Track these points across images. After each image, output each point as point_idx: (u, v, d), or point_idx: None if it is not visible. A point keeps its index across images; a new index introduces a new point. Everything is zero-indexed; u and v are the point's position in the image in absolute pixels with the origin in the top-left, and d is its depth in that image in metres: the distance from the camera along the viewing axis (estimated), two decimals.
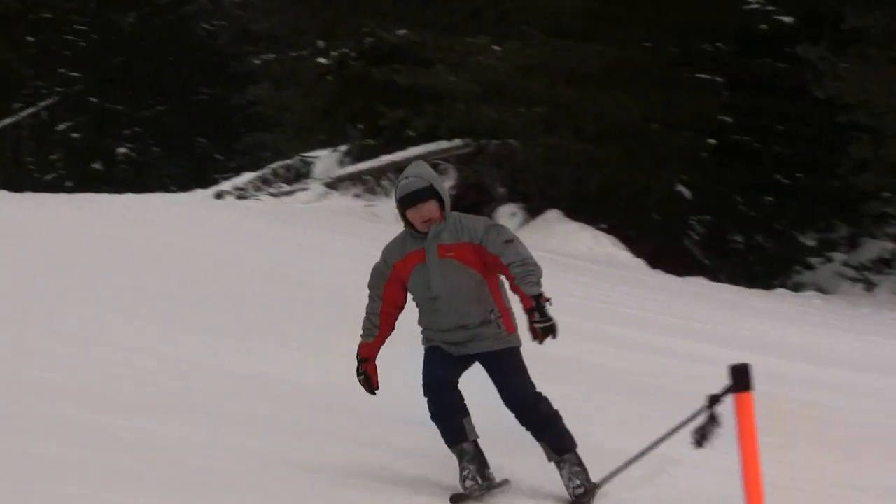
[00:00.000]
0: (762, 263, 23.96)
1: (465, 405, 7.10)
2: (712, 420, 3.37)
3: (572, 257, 19.01)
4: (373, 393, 7.18)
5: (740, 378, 3.52)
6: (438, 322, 7.11)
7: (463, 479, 7.08)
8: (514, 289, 6.80)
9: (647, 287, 17.49)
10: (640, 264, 20.25)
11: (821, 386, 10.89)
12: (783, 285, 22.24)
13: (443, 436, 7.13)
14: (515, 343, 7.05)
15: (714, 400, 3.48)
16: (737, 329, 14.50)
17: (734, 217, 24.60)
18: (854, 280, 22.80)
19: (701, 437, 3.26)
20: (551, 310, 6.64)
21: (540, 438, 7.04)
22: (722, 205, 24.36)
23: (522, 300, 6.73)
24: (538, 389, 6.99)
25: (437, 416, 7.13)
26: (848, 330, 16.19)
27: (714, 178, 23.90)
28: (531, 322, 6.63)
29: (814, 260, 23.75)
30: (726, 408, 3.47)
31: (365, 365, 7.20)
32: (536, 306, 6.62)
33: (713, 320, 15.03)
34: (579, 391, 9.17)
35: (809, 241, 24.22)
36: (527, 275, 6.73)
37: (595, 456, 7.04)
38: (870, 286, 22.44)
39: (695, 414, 3.48)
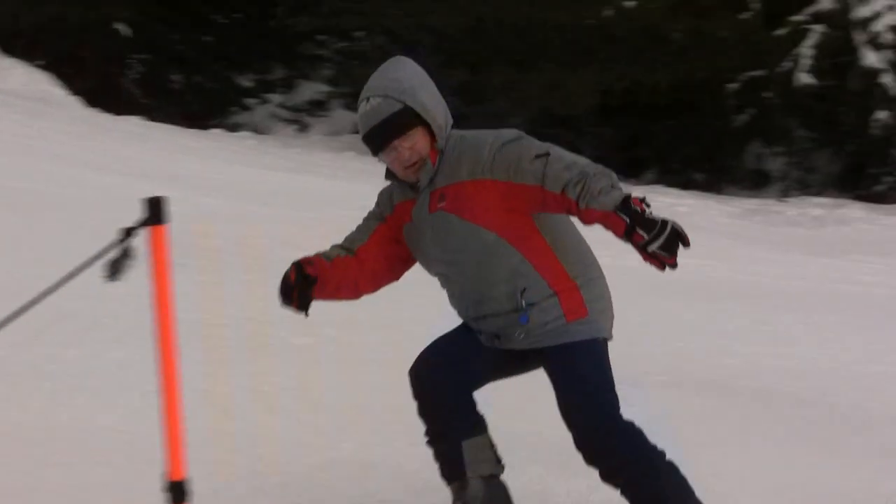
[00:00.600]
0: (200, 103, 24.02)
1: (474, 418, 4.64)
2: (126, 253, 3.40)
3: (4, 94, 18.32)
4: (299, 307, 4.39)
5: (154, 211, 3.55)
6: (456, 306, 4.59)
7: None
8: (587, 217, 4.11)
9: (83, 125, 17.19)
10: (75, 102, 19.83)
11: (253, 222, 11.15)
12: (219, 125, 22.45)
13: (435, 460, 4.71)
14: (585, 335, 4.39)
15: (128, 232, 3.50)
16: (173, 167, 14.55)
17: (173, 56, 24.47)
18: (288, 121, 23.39)
19: (114, 270, 3.28)
20: (654, 211, 3.98)
21: (628, 499, 4.41)
22: (161, 44, 24.14)
23: (608, 224, 4.02)
24: (621, 414, 4.37)
25: (426, 430, 4.68)
26: (279, 169, 16.67)
27: (154, 16, 23.61)
28: (640, 248, 3.94)
29: (250, 101, 24.10)
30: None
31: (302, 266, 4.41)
32: (631, 220, 3.92)
33: (148, 159, 15.00)
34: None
35: (246, 82, 24.51)
36: (590, 186, 4.05)
37: None
38: (303, 127, 23.10)
39: (107, 248, 3.49)
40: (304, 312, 4.39)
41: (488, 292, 4.39)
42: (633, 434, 4.33)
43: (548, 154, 4.19)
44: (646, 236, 3.88)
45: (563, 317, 4.36)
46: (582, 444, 4.31)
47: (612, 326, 4.52)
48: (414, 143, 4.31)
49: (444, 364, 4.58)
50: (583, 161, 4.16)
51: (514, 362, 4.58)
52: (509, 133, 4.36)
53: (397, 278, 4.64)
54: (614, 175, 4.10)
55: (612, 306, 4.54)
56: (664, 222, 3.88)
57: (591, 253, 4.53)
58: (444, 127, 4.40)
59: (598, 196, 4.00)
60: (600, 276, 4.51)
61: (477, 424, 4.62)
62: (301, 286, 4.37)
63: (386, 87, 4.32)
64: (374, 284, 4.60)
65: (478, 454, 4.59)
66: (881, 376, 8.05)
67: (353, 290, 4.57)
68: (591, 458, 4.33)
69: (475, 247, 4.32)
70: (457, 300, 4.53)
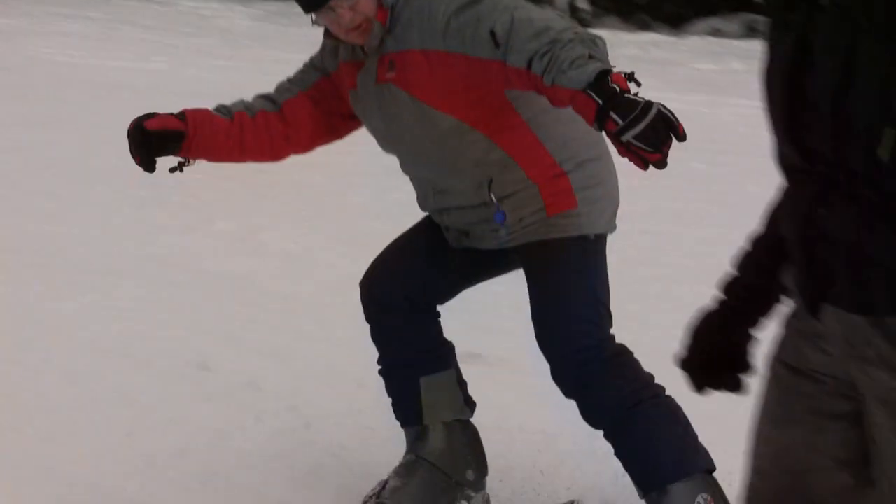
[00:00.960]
0: None
1: (438, 350, 3.84)
2: None
3: None
4: (145, 162, 3.47)
5: None
6: (416, 194, 3.77)
7: (371, 497, 3.81)
8: (555, 97, 3.12)
9: None
10: None
11: None
12: None
13: (388, 395, 3.90)
14: (571, 230, 3.51)
15: None
16: None
17: None
18: None
19: None
20: (639, 91, 2.95)
21: (613, 446, 3.54)
22: None
23: (578, 107, 3.00)
24: (610, 336, 3.55)
25: (378, 358, 3.89)
26: None
27: None
28: (614, 138, 2.89)
29: None
30: None
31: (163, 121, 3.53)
32: (604, 101, 2.90)
33: None
34: None
35: None
36: (559, 57, 3.04)
37: None
38: None
39: None
40: (149, 169, 3.52)
41: (449, 183, 3.58)
42: (619, 366, 3.50)
43: (512, 18, 3.20)
44: (620, 122, 2.84)
45: (543, 210, 3.50)
46: (555, 374, 3.52)
47: (612, 218, 3.63)
48: (355, 2, 3.41)
49: (401, 272, 3.79)
50: (558, 25, 3.16)
51: (489, 263, 3.76)
52: None
53: (341, 137, 3.84)
54: (600, 42, 3.10)
55: (615, 192, 3.66)
56: (648, 105, 2.85)
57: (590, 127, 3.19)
58: None
59: (567, 70, 3.01)
60: (598, 157, 3.60)
61: (441, 357, 3.83)
62: (138, 142, 3.49)
63: None
64: (303, 145, 3.79)
65: (439, 396, 3.79)
66: None
67: (268, 152, 3.75)
68: (567, 392, 3.54)
69: (430, 132, 3.48)
70: (416, 186, 3.74)
